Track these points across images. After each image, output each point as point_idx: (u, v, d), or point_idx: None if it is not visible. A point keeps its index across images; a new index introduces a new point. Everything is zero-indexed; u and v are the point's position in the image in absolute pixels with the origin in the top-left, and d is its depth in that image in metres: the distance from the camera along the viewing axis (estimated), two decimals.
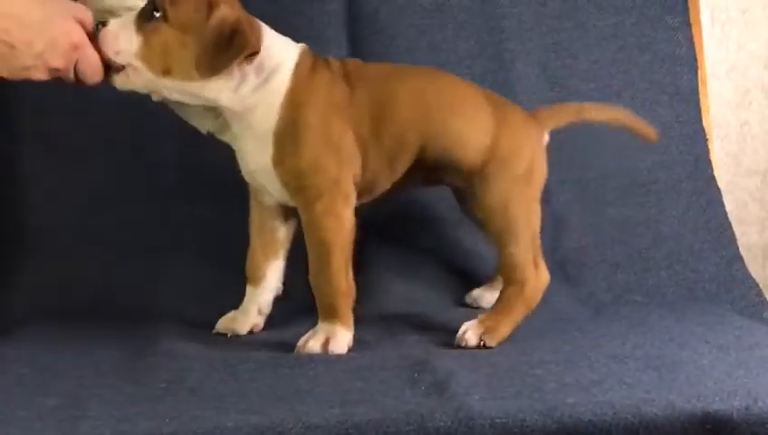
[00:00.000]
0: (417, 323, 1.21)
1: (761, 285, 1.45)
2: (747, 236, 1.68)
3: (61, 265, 1.38)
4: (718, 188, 1.49)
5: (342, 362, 1.01)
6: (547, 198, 1.44)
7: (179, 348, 1.08)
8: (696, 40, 1.54)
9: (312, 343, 1.05)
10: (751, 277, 1.43)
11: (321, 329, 1.07)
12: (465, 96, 1.16)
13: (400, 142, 1.11)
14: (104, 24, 1.04)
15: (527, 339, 1.11)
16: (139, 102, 1.39)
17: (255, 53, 1.03)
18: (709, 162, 1.50)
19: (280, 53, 1.08)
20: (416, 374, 0.95)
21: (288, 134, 1.06)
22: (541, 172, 1.18)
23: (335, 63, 1.13)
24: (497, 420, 0.79)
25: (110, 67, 1.04)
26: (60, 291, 1.35)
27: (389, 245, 1.41)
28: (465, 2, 1.49)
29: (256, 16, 1.09)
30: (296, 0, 1.40)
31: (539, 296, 1.13)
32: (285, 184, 1.08)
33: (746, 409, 0.81)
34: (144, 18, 1.03)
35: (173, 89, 1.05)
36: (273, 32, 1.09)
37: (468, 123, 1.14)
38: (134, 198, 1.41)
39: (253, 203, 1.17)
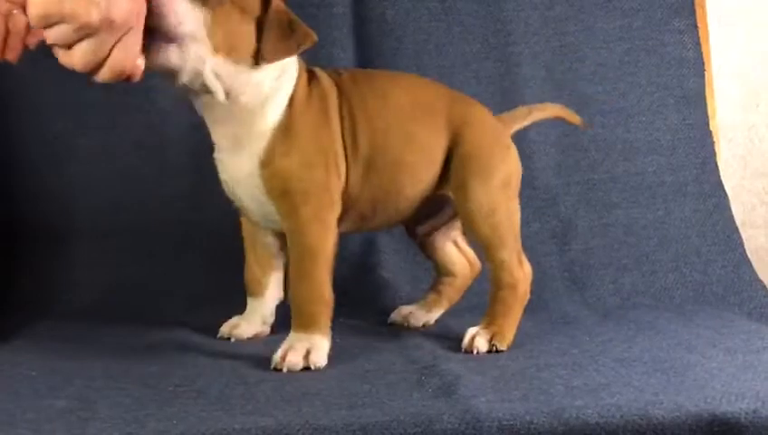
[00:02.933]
0: (427, 330, 1.21)
1: None
2: (755, 240, 1.68)
3: (68, 268, 1.39)
4: (725, 192, 1.49)
5: (349, 366, 1.01)
6: (554, 202, 1.46)
7: (187, 352, 1.08)
8: (702, 43, 1.55)
9: (292, 356, 1.00)
10: (758, 280, 1.43)
11: (300, 340, 1.02)
12: (425, 106, 1.15)
13: (374, 151, 1.10)
14: None
15: (534, 342, 1.11)
16: (147, 105, 1.42)
17: (314, 43, 1.04)
18: (716, 165, 1.50)
19: None
20: (422, 377, 0.95)
21: (283, 134, 1.05)
22: (517, 172, 1.18)
23: (325, 73, 1.13)
24: (504, 423, 0.78)
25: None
26: (67, 294, 1.36)
27: (395, 248, 1.42)
28: (471, 5, 1.50)
29: None
30: (304, 3, 1.39)
31: (529, 291, 1.13)
32: (270, 189, 1.05)
33: (754, 412, 0.81)
34: None
35: (218, 70, 1.00)
36: None
37: (426, 132, 1.14)
38: (142, 202, 1.42)
39: (243, 222, 1.17)
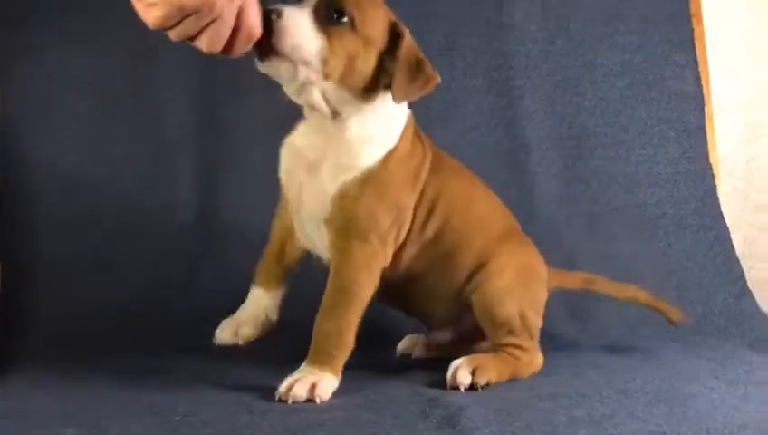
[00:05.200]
0: (428, 361, 1.22)
1: None
2: (756, 271, 1.69)
3: (75, 296, 1.40)
4: (725, 223, 1.51)
5: (354, 397, 1.01)
6: (557, 233, 1.48)
7: (194, 380, 1.09)
8: (702, 77, 1.58)
9: (299, 387, 1.00)
10: (760, 311, 1.44)
11: (309, 373, 1.02)
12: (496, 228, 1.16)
13: (438, 241, 1.10)
14: (276, 13, 0.99)
15: (538, 374, 1.12)
16: (154, 137, 1.44)
17: (437, 84, 1.06)
18: (716, 198, 1.52)
19: None
20: (427, 408, 0.95)
21: (372, 178, 1.04)
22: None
23: (427, 141, 1.14)
24: None
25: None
26: (74, 322, 1.37)
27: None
28: (474, 40, 1.53)
29: None
30: None
31: (528, 372, 1.13)
32: (333, 219, 1.04)
33: None
34: (322, 18, 1.00)
35: (328, 93, 1.02)
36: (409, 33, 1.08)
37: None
38: (150, 232, 1.44)
39: (280, 214, 1.14)
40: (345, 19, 1.01)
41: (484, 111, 1.51)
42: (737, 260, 1.50)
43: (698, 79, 1.57)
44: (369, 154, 1.05)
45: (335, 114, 1.04)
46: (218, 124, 1.46)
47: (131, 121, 1.43)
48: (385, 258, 1.06)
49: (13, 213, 1.43)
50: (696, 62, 1.57)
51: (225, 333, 1.12)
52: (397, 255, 1.09)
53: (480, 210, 1.15)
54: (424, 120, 1.47)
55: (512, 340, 1.11)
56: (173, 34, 0.94)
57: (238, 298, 1.28)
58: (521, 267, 1.14)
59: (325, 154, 1.05)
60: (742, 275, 1.48)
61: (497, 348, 1.12)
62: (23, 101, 1.44)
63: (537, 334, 1.15)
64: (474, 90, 1.52)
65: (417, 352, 1.24)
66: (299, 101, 1.05)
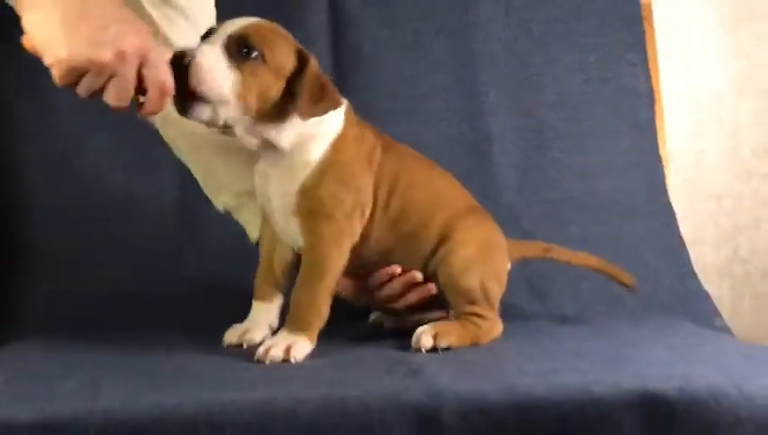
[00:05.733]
0: (397, 330, 1.32)
1: (717, 304, 1.57)
2: (703, 256, 1.80)
3: (67, 279, 1.49)
4: (673, 211, 1.61)
5: (327, 359, 1.10)
6: (516, 218, 1.57)
7: (179, 349, 1.18)
8: (654, 75, 1.68)
9: (275, 349, 1.08)
10: (703, 289, 1.54)
11: (286, 338, 1.10)
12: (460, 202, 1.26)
13: (404, 216, 1.20)
14: (188, 54, 1.03)
15: (495, 341, 1.22)
16: (138, 126, 1.52)
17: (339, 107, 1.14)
18: (665, 187, 1.62)
19: None
20: (393, 366, 1.05)
21: (326, 166, 1.13)
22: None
23: (373, 128, 1.22)
24: (463, 395, 0.89)
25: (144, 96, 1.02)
26: (64, 303, 1.46)
27: None
28: (441, 39, 1.62)
29: None
30: None
31: (488, 339, 1.21)
32: (300, 208, 1.14)
33: (680, 388, 0.91)
34: (233, 54, 1.06)
35: (250, 128, 1.10)
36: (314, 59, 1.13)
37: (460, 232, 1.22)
38: (135, 217, 1.52)
39: (265, 226, 1.24)
40: (255, 54, 1.07)
41: (451, 105, 1.60)
42: (684, 245, 1.59)
43: (650, 77, 1.66)
44: (318, 148, 1.14)
45: (266, 143, 1.12)
46: None
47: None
48: (352, 235, 1.16)
49: (1, 201, 1.52)
50: (647, 61, 1.66)
51: (233, 336, 1.20)
52: (365, 233, 1.18)
53: (440, 187, 1.25)
54: (394, 113, 1.59)
55: (474, 309, 1.21)
56: (79, 91, 0.99)
57: (218, 279, 1.37)
58: (482, 240, 1.23)
59: (277, 165, 1.14)
60: (688, 258, 1.58)
61: (460, 316, 1.21)
62: (8, 92, 1.52)
63: (497, 304, 1.24)
64: (441, 85, 1.61)
65: (388, 322, 1.34)
66: (230, 135, 1.11)
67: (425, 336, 1.14)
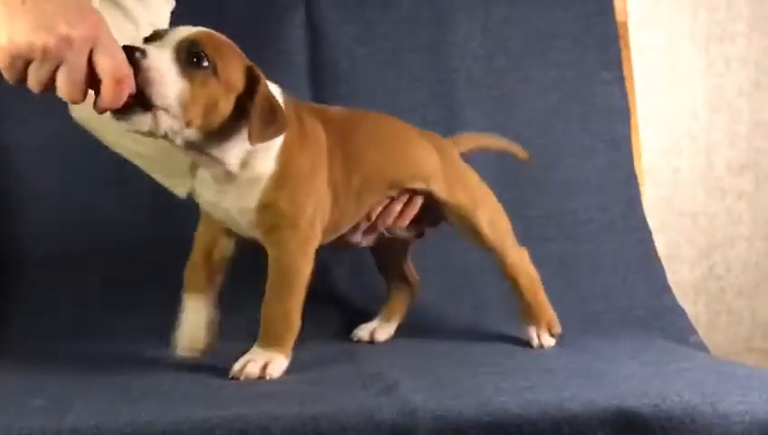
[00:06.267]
0: (374, 346, 1.32)
1: (692, 320, 1.57)
2: (679, 274, 1.82)
3: (36, 294, 1.47)
4: (649, 227, 1.62)
5: (302, 375, 1.10)
6: None
7: (150, 364, 1.16)
8: (629, 93, 1.69)
9: (252, 366, 1.06)
10: (678, 305, 1.55)
11: (261, 354, 1.08)
12: (412, 134, 1.30)
13: (368, 183, 1.20)
14: (141, 51, 0.95)
15: (472, 356, 1.22)
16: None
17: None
18: (640, 203, 1.63)
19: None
20: (368, 382, 1.04)
21: (279, 179, 1.09)
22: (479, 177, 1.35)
23: (306, 107, 1.18)
24: (437, 413, 0.89)
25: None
26: (36, 318, 1.44)
27: (346, 276, 1.52)
28: (419, 56, 1.63)
29: None
30: (263, 50, 1.47)
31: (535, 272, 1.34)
32: (260, 224, 1.10)
33: (655, 405, 0.92)
34: (183, 61, 0.99)
35: (192, 140, 1.02)
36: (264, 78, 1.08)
37: (422, 154, 1.28)
38: (102, 226, 1.50)
39: (205, 222, 1.17)
40: (206, 63, 1.00)
41: (428, 121, 1.60)
42: (659, 261, 1.60)
43: (625, 95, 1.67)
44: (266, 162, 1.09)
45: (208, 160, 1.06)
46: None
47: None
48: (316, 238, 1.14)
49: None
50: (622, 79, 1.67)
51: (186, 345, 1.15)
52: (335, 219, 1.17)
53: (385, 134, 1.26)
54: None
55: (523, 272, 1.35)
56: (30, 86, 0.91)
57: None
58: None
59: (227, 179, 1.09)
60: (663, 275, 1.59)
61: (522, 294, 1.33)
62: None
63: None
64: (418, 101, 1.61)
65: (379, 336, 1.36)
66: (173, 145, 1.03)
67: (545, 336, 1.31)
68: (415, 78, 1.62)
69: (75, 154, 1.48)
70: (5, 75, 0.91)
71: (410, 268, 1.39)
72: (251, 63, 1.06)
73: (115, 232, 1.49)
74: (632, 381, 1.04)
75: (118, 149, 1.21)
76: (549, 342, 1.29)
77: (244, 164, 1.08)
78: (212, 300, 1.16)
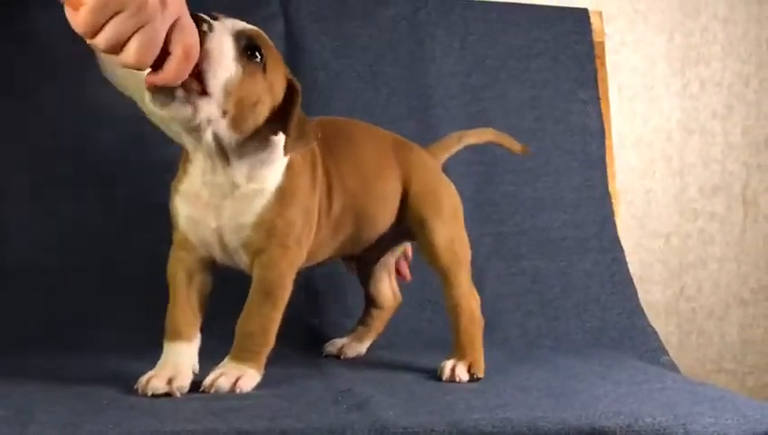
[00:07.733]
0: (347, 361, 1.31)
1: (664, 341, 1.58)
2: (651, 295, 1.83)
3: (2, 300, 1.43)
4: (622, 247, 1.63)
5: (272, 390, 1.08)
6: None
7: (118, 376, 1.13)
8: (604, 113, 1.71)
9: (223, 380, 1.04)
10: (650, 326, 1.56)
11: (233, 368, 1.06)
12: (385, 164, 1.25)
13: (344, 210, 1.18)
14: (208, 24, 0.93)
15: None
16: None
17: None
18: (614, 223, 1.64)
19: None
20: (339, 398, 1.03)
21: (282, 194, 1.07)
22: (459, 203, 1.31)
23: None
24: (409, 430, 0.88)
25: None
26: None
27: (323, 290, 1.51)
28: (396, 70, 1.63)
29: None
30: None
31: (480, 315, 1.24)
32: (253, 241, 1.07)
33: (628, 426, 0.92)
34: (241, 50, 0.98)
35: (218, 136, 1.00)
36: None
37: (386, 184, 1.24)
38: (70, 238, 1.47)
39: (179, 257, 1.11)
40: (259, 59, 0.99)
41: (404, 135, 1.57)
42: (632, 280, 1.61)
43: (600, 115, 1.69)
44: (274, 174, 1.07)
45: (224, 155, 1.03)
46: None
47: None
48: (301, 258, 1.13)
49: None
50: (598, 99, 1.69)
51: (159, 383, 1.04)
52: (313, 248, 1.15)
53: (365, 157, 1.22)
54: None
55: (463, 307, 1.23)
56: (101, 41, 0.86)
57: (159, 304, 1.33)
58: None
59: (231, 188, 1.06)
60: (635, 294, 1.59)
61: (458, 323, 1.22)
62: None
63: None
64: (396, 116, 1.61)
65: (349, 352, 1.34)
66: (186, 141, 1.03)
67: (461, 369, 1.17)
68: (392, 92, 1.62)
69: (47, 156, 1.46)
70: (83, 19, 0.85)
71: (391, 280, 1.37)
72: (292, 76, 1.07)
73: (87, 242, 1.46)
74: (604, 400, 1.04)
75: (154, 119, 1.16)
76: (464, 376, 1.16)
77: (250, 177, 1.06)
78: (196, 347, 1.11)
